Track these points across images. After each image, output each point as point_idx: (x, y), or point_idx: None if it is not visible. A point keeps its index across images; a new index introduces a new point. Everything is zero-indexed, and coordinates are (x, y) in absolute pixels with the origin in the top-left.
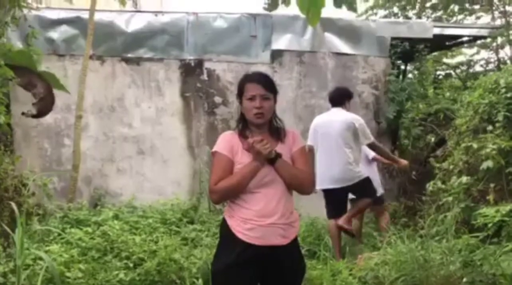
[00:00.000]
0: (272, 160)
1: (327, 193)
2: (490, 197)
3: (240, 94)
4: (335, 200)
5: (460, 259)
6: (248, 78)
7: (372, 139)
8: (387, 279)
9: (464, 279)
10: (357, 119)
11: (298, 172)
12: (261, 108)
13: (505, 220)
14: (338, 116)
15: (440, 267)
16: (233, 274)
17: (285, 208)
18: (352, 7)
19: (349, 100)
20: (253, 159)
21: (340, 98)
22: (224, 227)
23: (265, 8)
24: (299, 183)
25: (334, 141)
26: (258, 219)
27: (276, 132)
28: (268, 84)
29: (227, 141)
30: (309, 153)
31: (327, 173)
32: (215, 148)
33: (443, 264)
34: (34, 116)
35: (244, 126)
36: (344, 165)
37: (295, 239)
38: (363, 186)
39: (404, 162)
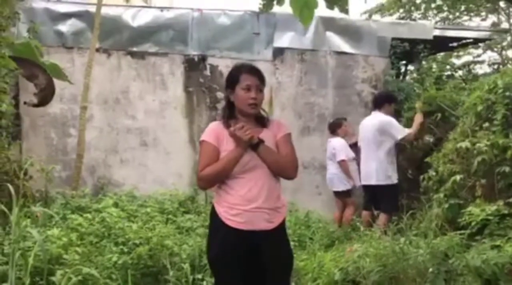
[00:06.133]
0: (255, 146)
1: (364, 187)
2: (478, 193)
3: (234, 83)
4: (367, 194)
5: (428, 251)
6: (245, 69)
7: (399, 136)
8: (366, 270)
9: (430, 269)
10: (384, 121)
11: (280, 157)
12: (256, 99)
13: (489, 219)
14: (372, 119)
15: (416, 259)
16: (227, 260)
17: (269, 192)
18: (344, 9)
19: (390, 103)
20: (235, 145)
21: (379, 101)
22: (213, 214)
23: (260, 9)
24: (281, 168)
25: (368, 142)
26: (243, 204)
27: (261, 120)
28: (262, 77)
29: (213, 130)
30: None
31: (363, 170)
32: (202, 138)
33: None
34: (35, 105)
35: (229, 114)
36: (375, 165)
37: (282, 225)
38: (386, 192)
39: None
